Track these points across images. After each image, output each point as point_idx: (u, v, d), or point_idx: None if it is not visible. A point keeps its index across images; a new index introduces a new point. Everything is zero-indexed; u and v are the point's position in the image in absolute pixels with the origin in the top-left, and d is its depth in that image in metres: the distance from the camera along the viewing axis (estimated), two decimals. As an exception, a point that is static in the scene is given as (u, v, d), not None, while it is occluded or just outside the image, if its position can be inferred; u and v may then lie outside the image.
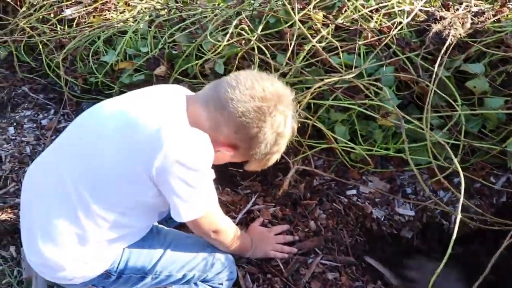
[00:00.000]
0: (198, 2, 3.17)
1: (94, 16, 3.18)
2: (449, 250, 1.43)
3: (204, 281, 1.60)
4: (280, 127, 1.35)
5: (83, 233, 1.36)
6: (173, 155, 1.25)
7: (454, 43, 2.00)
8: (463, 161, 1.91)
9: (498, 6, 2.18)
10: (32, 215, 1.43)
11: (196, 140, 1.31)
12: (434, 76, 1.89)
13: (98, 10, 3.22)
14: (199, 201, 1.36)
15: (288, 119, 1.38)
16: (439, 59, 1.92)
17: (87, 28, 3.04)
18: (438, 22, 2.07)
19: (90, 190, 1.34)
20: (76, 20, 3.15)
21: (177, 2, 3.17)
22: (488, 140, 1.89)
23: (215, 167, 1.45)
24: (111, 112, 1.40)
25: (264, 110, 1.30)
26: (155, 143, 1.26)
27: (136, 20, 2.86)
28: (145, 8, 3.11)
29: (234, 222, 1.85)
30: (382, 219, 1.83)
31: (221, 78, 1.39)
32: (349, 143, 1.95)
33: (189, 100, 1.38)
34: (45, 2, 3.24)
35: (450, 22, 2.05)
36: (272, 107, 1.31)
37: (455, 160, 1.67)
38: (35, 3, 3.28)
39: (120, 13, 3.22)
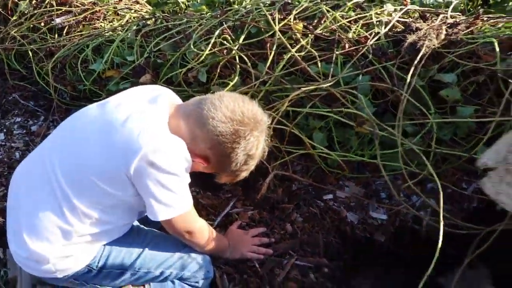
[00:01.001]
0: (185, 11, 3.25)
1: (83, 25, 3.24)
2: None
3: (181, 279, 1.66)
4: (252, 150, 1.47)
5: (67, 227, 1.45)
6: (150, 158, 1.34)
7: (428, 53, 2.07)
8: (436, 168, 1.97)
9: (472, 18, 2.25)
10: (19, 210, 1.52)
11: (173, 146, 1.40)
12: (407, 84, 1.96)
13: (87, 19, 3.29)
14: (173, 202, 1.43)
15: (261, 144, 1.51)
16: (412, 68, 1.99)
17: (76, 37, 3.11)
18: (414, 33, 2.15)
19: (73, 189, 1.43)
20: (66, 29, 3.22)
21: (164, 12, 3.24)
22: (460, 147, 1.95)
23: (199, 173, 1.53)
24: (95, 115, 1.50)
25: (240, 134, 1.42)
26: (134, 146, 1.35)
27: (124, 29, 2.93)
28: (133, 18, 3.18)
29: (213, 224, 1.92)
30: (356, 223, 1.89)
31: (206, 95, 1.49)
32: (326, 149, 2.01)
33: (172, 110, 1.48)
34: (35, 12, 3.30)
35: (425, 33, 2.13)
36: (248, 132, 1.43)
37: (429, 166, 1.76)
38: (25, 12, 3.34)
39: (109, 22, 3.29)
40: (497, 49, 1.95)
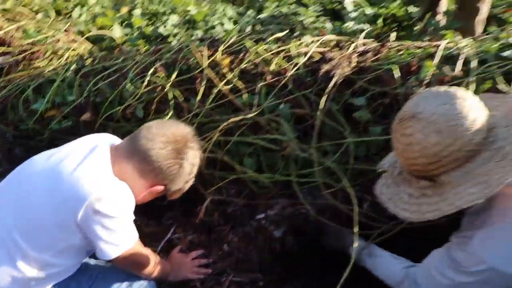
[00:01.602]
0: (122, 46, 3.41)
1: (23, 65, 3.33)
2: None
3: (130, 305, 1.82)
4: (194, 159, 1.68)
5: (19, 275, 1.57)
6: (94, 206, 1.49)
7: (341, 80, 2.32)
8: (354, 181, 2.21)
9: (379, 46, 2.53)
10: None
11: (116, 191, 1.55)
12: (322, 109, 2.20)
13: (27, 58, 3.38)
14: (119, 241, 1.59)
15: (197, 152, 1.70)
16: (326, 95, 2.23)
17: (17, 77, 3.20)
18: (328, 63, 2.40)
19: (24, 237, 1.55)
20: (5, 70, 3.30)
21: (102, 49, 3.39)
22: (373, 162, 2.20)
23: (143, 203, 1.71)
24: (41, 167, 1.62)
25: (180, 151, 1.61)
26: (80, 195, 1.50)
27: (64, 68, 3.05)
28: (72, 56, 3.30)
29: (156, 250, 2.08)
30: (284, 237, 2.10)
31: (135, 132, 1.66)
32: (255, 173, 2.22)
33: (113, 154, 1.63)
34: (-27, 54, 3.38)
35: (338, 62, 2.38)
36: (185, 147, 1.63)
37: (344, 180, 2.01)
38: (-37, 54, 3.41)
39: (49, 61, 3.39)
40: (398, 74, 2.23)
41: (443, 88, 1.39)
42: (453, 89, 1.36)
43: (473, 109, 1.30)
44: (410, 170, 1.44)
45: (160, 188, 1.67)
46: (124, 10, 4.25)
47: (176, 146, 1.61)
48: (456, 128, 1.28)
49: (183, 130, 1.68)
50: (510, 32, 2.43)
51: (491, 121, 1.34)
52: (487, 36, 2.62)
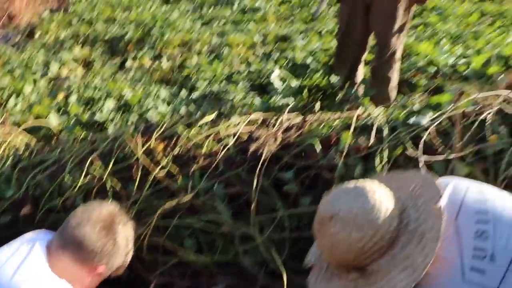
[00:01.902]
0: (59, 134, 3.49)
1: (-42, 161, 3.33)
2: None
3: None
4: (126, 232, 1.80)
5: None
6: None
7: (269, 156, 2.50)
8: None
9: (302, 121, 2.75)
10: None
11: None
12: (254, 186, 2.36)
13: (-38, 154, 3.38)
14: None
15: (127, 224, 1.82)
16: (257, 171, 2.40)
17: (-49, 175, 3.19)
18: (255, 141, 2.59)
19: None
20: None
21: (40, 139, 3.46)
22: (306, 232, 2.36)
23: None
24: None
25: (109, 228, 1.74)
26: None
27: (0, 163, 3.09)
28: (9, 149, 3.34)
29: None
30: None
31: (64, 223, 1.76)
32: (195, 255, 2.32)
33: (49, 251, 1.70)
34: None
35: (264, 141, 2.58)
36: (113, 223, 1.75)
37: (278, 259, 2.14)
38: None
39: (-15, 154, 3.41)
40: (319, 148, 2.44)
41: (351, 184, 1.52)
42: (361, 183, 1.50)
43: (383, 199, 1.44)
44: (338, 265, 1.52)
45: (101, 269, 1.74)
46: (61, 96, 4.35)
47: (105, 225, 1.72)
48: (373, 221, 1.39)
49: (107, 208, 1.81)
50: (413, 100, 2.72)
51: (399, 205, 1.47)
52: (396, 103, 2.91)
